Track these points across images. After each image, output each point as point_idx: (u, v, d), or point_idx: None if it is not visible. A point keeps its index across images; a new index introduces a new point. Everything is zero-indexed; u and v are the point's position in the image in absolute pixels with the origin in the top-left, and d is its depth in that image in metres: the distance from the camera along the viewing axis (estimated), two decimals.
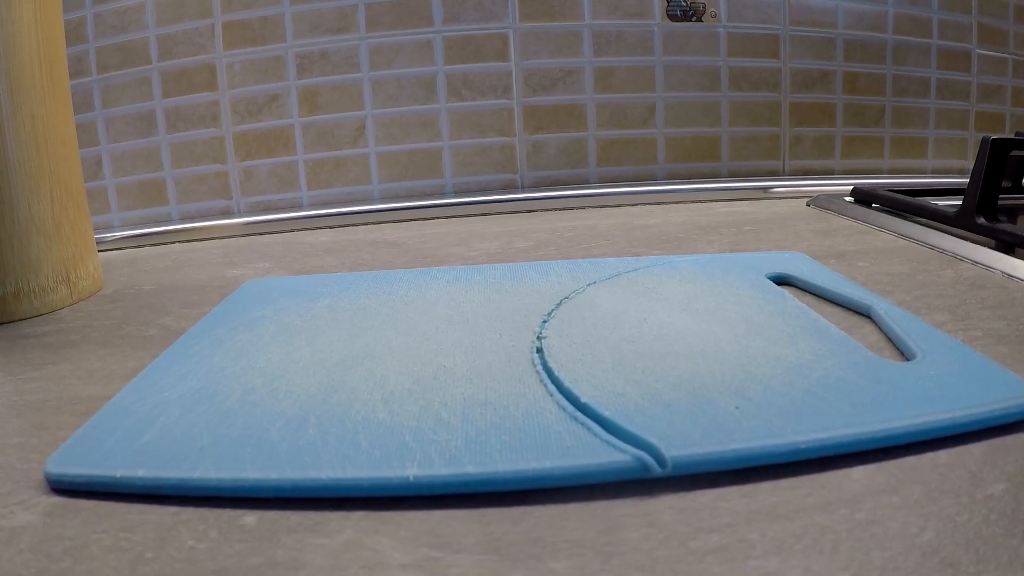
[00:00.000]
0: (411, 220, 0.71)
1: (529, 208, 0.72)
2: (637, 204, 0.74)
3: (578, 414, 0.24)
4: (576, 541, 0.19)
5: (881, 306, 0.35)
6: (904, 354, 0.30)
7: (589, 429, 0.23)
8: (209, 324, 0.37)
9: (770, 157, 0.81)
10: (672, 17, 0.77)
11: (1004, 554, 0.18)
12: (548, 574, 0.18)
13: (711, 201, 0.74)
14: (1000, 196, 0.52)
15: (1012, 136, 0.54)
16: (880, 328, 0.34)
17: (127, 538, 0.20)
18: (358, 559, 0.19)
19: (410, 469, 0.21)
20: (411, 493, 0.21)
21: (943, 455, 0.22)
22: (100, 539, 0.20)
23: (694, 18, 0.77)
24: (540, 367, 0.29)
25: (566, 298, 0.38)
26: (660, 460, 0.21)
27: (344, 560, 0.19)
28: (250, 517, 0.21)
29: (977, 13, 0.84)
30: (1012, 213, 0.58)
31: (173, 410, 0.26)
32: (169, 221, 0.74)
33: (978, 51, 0.84)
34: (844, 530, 0.19)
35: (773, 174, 0.82)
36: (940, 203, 0.58)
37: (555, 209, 0.72)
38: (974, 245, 0.48)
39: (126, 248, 0.66)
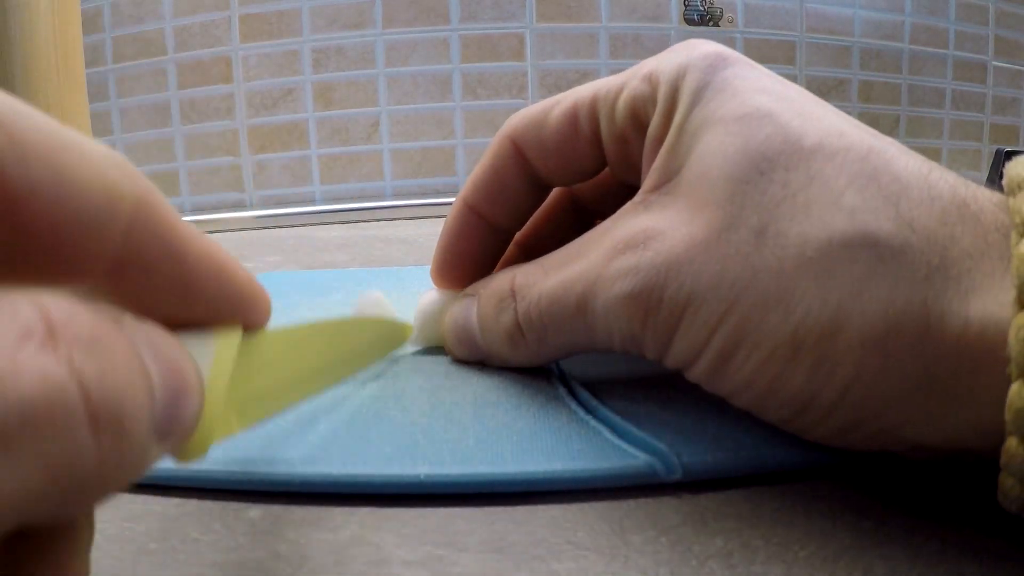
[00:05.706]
0: (424, 217, 0.71)
1: None
2: None
3: (589, 418, 0.24)
4: (580, 543, 0.19)
5: None
6: None
7: (600, 432, 0.23)
8: None
9: None
10: (689, 21, 0.76)
11: (1010, 564, 0.18)
12: (551, 575, 0.18)
13: None
14: None
15: None
16: None
17: (131, 528, 0.20)
18: (362, 555, 0.19)
19: (422, 467, 0.21)
20: (423, 492, 0.21)
21: (946, 463, 0.22)
22: (104, 528, 0.20)
23: (711, 23, 0.77)
24: (553, 368, 0.29)
25: None
26: (670, 465, 0.21)
27: (348, 556, 0.19)
28: (255, 510, 0.21)
29: (994, 25, 0.83)
30: None
31: None
32: (181, 212, 0.73)
33: (994, 63, 0.84)
34: (849, 537, 0.19)
35: None
36: None
37: None
38: None
39: None
